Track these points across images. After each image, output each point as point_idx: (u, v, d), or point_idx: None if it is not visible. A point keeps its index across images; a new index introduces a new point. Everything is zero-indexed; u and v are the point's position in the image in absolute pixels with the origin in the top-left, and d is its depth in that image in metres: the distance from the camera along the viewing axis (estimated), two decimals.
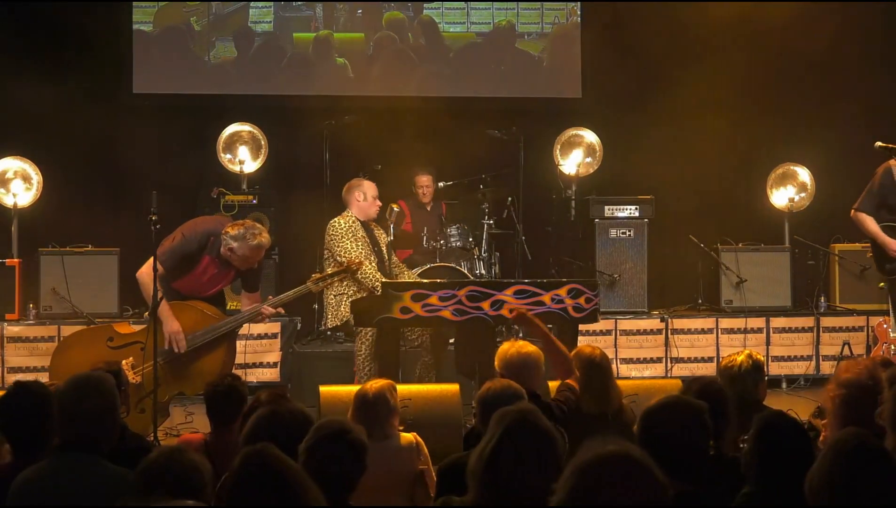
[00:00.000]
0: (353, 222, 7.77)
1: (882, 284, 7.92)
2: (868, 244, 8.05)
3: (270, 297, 7.08)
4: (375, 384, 4.92)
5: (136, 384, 6.74)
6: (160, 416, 6.75)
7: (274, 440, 3.22)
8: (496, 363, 5.18)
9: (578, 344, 7.37)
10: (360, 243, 7.65)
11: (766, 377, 5.44)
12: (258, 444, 3.13)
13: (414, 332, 7.72)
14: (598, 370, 5.18)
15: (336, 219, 7.81)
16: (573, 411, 5.03)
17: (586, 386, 5.14)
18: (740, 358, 5.16)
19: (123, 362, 6.69)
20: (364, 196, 7.87)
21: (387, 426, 4.79)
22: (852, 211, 7.78)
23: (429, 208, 9.54)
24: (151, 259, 6.68)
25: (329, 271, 7.35)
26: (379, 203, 7.89)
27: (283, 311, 7.29)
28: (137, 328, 7.02)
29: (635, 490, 2.41)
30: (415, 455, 4.82)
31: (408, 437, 4.86)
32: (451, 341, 8.08)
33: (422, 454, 4.87)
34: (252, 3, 10.23)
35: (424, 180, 9.51)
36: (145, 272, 6.77)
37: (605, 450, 2.47)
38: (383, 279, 7.41)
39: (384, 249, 7.89)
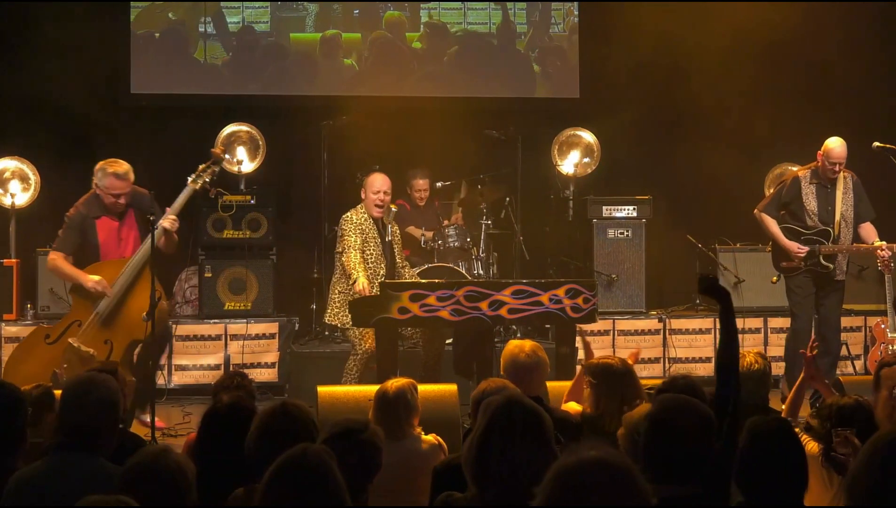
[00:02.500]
0: (362, 216, 7.67)
1: (774, 279, 8.41)
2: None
3: (167, 209, 7.14)
4: (396, 382, 4.89)
5: (90, 354, 6.83)
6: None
7: (284, 438, 3.23)
8: (502, 362, 5.14)
9: (577, 344, 7.44)
10: (357, 236, 7.57)
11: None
12: (301, 444, 3.13)
13: (409, 331, 7.70)
14: (621, 379, 4.87)
15: (348, 212, 7.76)
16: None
17: (608, 397, 4.84)
18: (749, 358, 5.08)
19: (71, 340, 6.78)
20: (365, 193, 7.78)
21: (405, 425, 4.76)
22: (756, 211, 8.26)
23: (422, 207, 9.54)
24: (50, 252, 7.18)
25: (202, 167, 7.31)
26: (377, 198, 7.65)
27: (177, 223, 7.19)
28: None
29: (617, 496, 2.39)
30: (437, 456, 4.76)
31: (429, 439, 4.83)
32: (449, 341, 8.06)
33: (444, 456, 4.80)
34: (249, 4, 10.22)
35: (422, 184, 9.50)
36: (54, 266, 7.17)
37: (587, 455, 2.45)
38: (360, 271, 7.34)
39: (396, 249, 7.81)
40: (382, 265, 7.63)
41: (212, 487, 3.57)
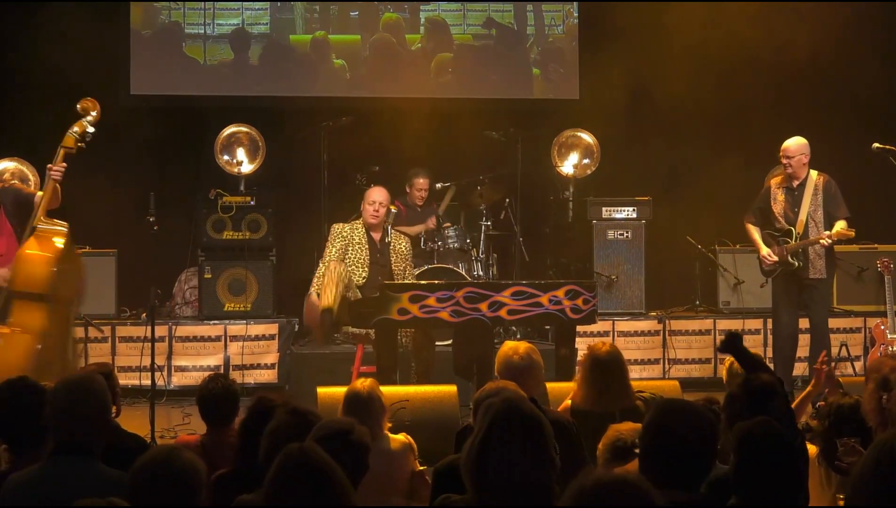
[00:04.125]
0: (351, 227, 7.81)
1: (762, 284, 8.59)
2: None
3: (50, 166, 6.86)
4: (365, 382, 4.84)
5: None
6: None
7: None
8: (496, 364, 5.14)
9: (577, 345, 7.44)
10: (335, 245, 7.69)
11: None
12: (299, 443, 3.13)
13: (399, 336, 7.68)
14: (602, 367, 5.07)
15: (337, 223, 7.93)
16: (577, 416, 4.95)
17: (590, 384, 5.06)
18: None
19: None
20: (366, 197, 7.89)
21: (377, 426, 4.71)
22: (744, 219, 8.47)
23: (419, 210, 9.55)
24: None
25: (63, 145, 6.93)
26: (371, 209, 7.75)
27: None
28: None
29: None
30: (409, 455, 4.75)
31: (399, 438, 4.80)
32: (448, 342, 8.05)
33: (415, 454, 4.79)
34: (249, 4, 10.22)
35: (422, 183, 9.51)
36: None
37: (604, 475, 2.46)
38: (319, 291, 7.35)
39: (390, 255, 7.81)
40: (365, 268, 7.70)
41: None
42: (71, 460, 3.69)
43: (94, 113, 6.79)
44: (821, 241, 8.01)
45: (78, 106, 6.87)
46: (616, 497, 2.43)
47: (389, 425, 4.87)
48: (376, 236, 7.84)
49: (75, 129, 6.76)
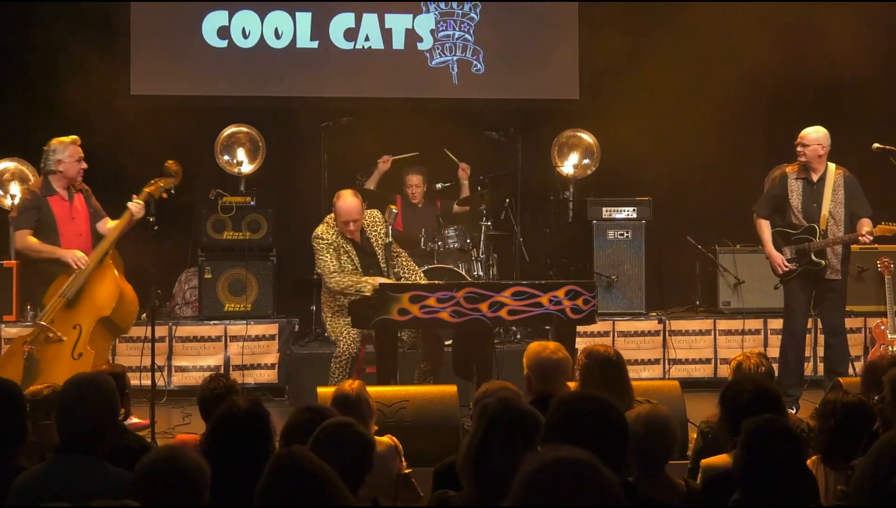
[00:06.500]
0: (332, 232, 7.48)
1: (776, 286, 8.31)
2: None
3: (134, 196, 7.23)
4: (354, 384, 4.82)
5: (58, 337, 6.86)
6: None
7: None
8: (525, 362, 5.09)
9: (577, 345, 7.44)
10: (331, 255, 7.40)
11: None
12: (290, 446, 3.13)
13: (406, 333, 7.65)
14: (612, 367, 5.05)
15: (318, 229, 7.51)
16: None
17: (596, 385, 5.01)
18: (753, 360, 5.14)
19: (41, 321, 6.87)
20: (337, 214, 7.48)
21: (365, 428, 4.71)
22: (753, 210, 8.21)
23: (420, 207, 9.55)
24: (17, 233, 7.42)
25: (146, 188, 7.28)
26: (345, 229, 7.39)
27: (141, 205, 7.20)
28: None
29: (587, 493, 2.41)
30: (395, 458, 4.71)
31: (384, 440, 4.75)
32: (448, 342, 8.05)
33: (400, 456, 4.75)
34: (250, 5, 10.21)
35: (414, 180, 9.53)
36: (24, 244, 7.29)
37: (555, 454, 2.46)
38: (363, 279, 7.25)
39: (379, 252, 7.69)
40: (357, 272, 7.63)
41: (221, 490, 3.54)
42: (78, 458, 3.70)
43: (174, 178, 7.35)
44: (860, 238, 7.79)
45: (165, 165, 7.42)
46: (567, 475, 2.43)
47: (376, 427, 4.85)
48: (368, 233, 7.77)
49: (160, 185, 7.26)
